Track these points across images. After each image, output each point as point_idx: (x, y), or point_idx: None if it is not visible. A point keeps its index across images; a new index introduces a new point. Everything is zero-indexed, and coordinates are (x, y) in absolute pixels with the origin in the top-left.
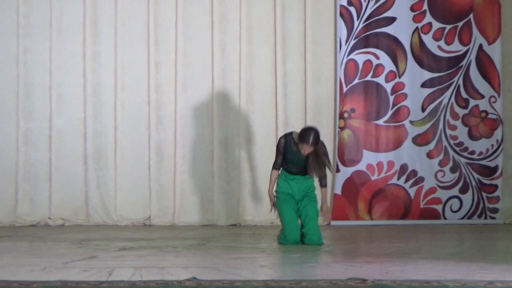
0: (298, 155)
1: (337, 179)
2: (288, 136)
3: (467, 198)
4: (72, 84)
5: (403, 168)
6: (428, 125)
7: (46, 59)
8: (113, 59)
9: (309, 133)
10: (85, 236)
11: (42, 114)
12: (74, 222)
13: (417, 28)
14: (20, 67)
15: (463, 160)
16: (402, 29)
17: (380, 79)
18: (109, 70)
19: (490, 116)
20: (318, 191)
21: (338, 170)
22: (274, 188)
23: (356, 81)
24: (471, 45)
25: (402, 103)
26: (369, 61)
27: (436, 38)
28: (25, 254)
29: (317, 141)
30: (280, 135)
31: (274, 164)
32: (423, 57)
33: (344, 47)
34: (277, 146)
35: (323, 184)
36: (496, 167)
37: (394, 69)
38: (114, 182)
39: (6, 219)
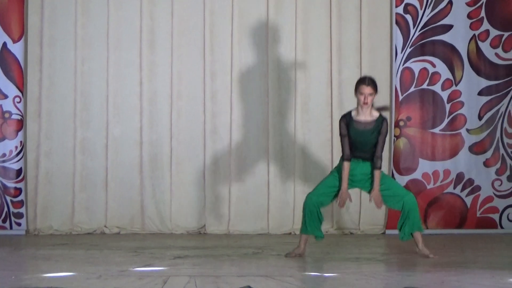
0: (363, 132)
1: None
2: (346, 115)
3: None
4: (129, 93)
5: (460, 177)
6: (485, 134)
7: (103, 69)
8: (169, 68)
9: (364, 77)
10: (141, 244)
11: (99, 123)
12: (129, 230)
13: (474, 35)
14: (77, 77)
15: None
16: (458, 37)
17: (437, 87)
18: (165, 80)
19: None
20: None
21: (393, 179)
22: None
23: (412, 89)
24: None
25: (459, 112)
26: (425, 69)
27: (493, 46)
28: (81, 262)
29: (374, 82)
30: (335, 145)
31: (343, 156)
32: (480, 65)
33: (400, 55)
34: (340, 130)
35: (377, 166)
36: None
37: (450, 77)
38: (170, 191)
39: (63, 227)
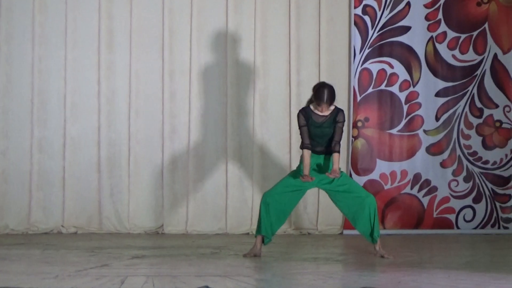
0: (322, 124)
1: None
2: (306, 108)
3: (480, 207)
4: (87, 92)
5: (417, 177)
6: (442, 135)
7: (61, 67)
8: (128, 67)
9: (323, 91)
10: (98, 244)
11: (56, 122)
12: (87, 230)
13: (431, 37)
14: (35, 75)
15: (476, 170)
16: (416, 38)
17: (394, 88)
18: (124, 79)
19: (504, 125)
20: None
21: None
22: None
23: (370, 90)
24: (485, 54)
25: (416, 113)
26: (383, 70)
27: (450, 47)
28: (38, 262)
29: (332, 97)
30: (294, 145)
31: (303, 145)
32: (437, 66)
33: (358, 56)
34: (299, 121)
35: (336, 150)
36: (510, 177)
37: (408, 78)
38: (128, 191)
39: (19, 226)
